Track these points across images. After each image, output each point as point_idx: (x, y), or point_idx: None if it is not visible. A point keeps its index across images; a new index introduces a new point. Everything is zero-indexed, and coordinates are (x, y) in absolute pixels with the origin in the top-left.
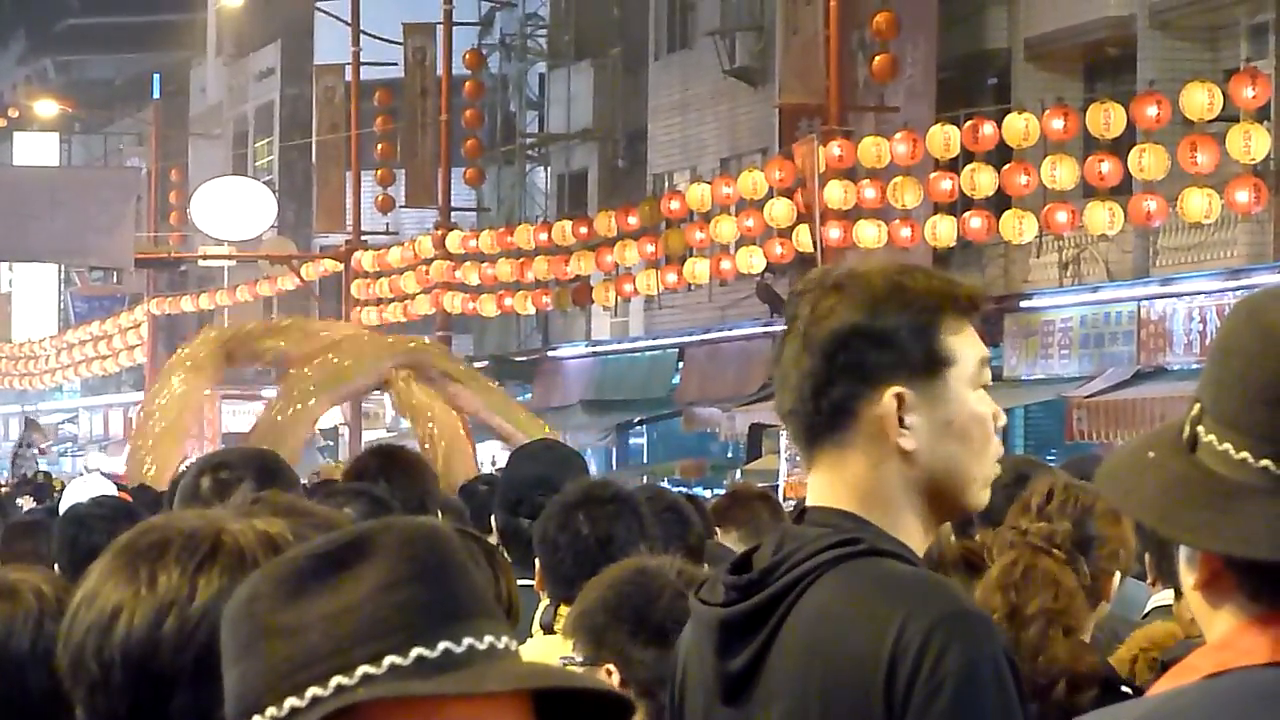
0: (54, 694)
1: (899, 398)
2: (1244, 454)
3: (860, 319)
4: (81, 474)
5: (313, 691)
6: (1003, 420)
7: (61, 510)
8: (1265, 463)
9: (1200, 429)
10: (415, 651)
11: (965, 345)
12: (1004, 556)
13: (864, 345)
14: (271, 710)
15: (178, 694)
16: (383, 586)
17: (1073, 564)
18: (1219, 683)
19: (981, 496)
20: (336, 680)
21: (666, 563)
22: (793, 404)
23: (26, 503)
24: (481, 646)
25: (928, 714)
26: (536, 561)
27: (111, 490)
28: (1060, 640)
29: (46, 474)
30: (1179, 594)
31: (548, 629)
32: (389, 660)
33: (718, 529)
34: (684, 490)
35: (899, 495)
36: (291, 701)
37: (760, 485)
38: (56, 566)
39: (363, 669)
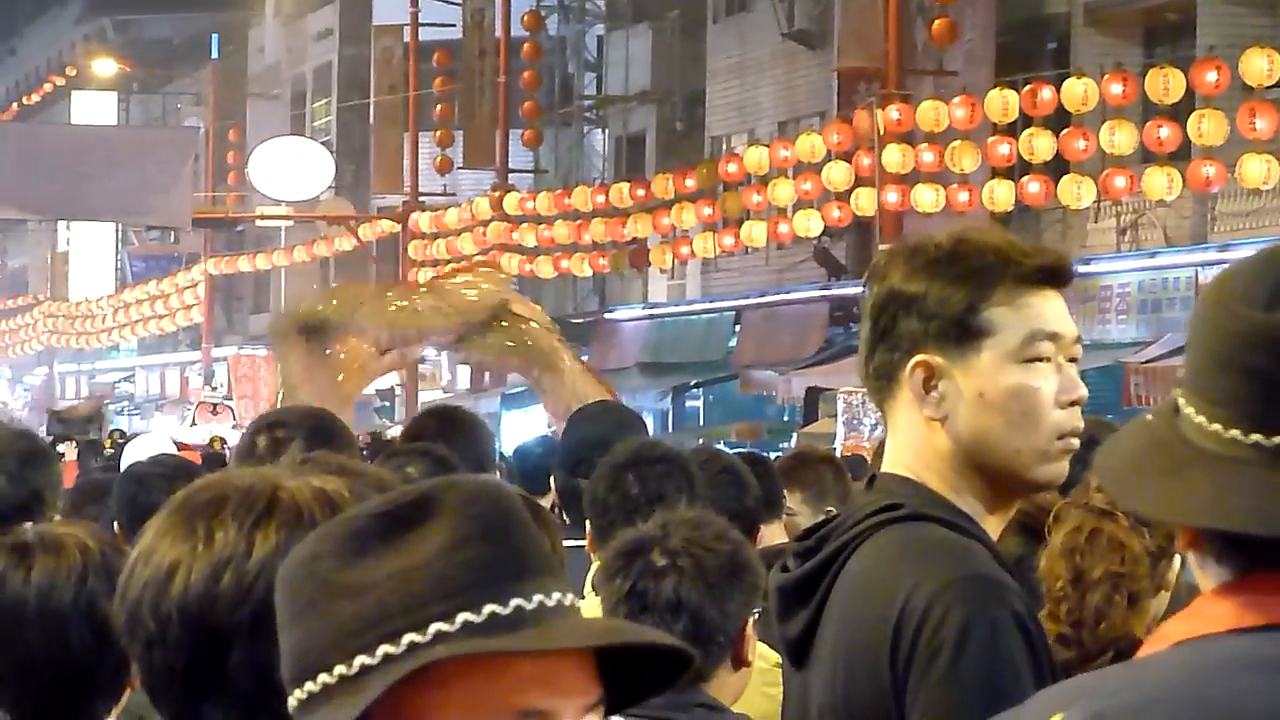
0: (94, 648)
1: (925, 365)
2: (1201, 418)
3: (898, 284)
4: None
5: (384, 649)
6: (1076, 394)
7: (122, 468)
8: (1216, 427)
9: (1180, 395)
10: (488, 609)
11: (1013, 316)
12: (1067, 522)
13: (898, 310)
14: (340, 669)
15: (235, 650)
16: (451, 545)
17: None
18: (1178, 651)
19: (1040, 471)
20: (409, 638)
21: (669, 518)
22: (859, 370)
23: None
24: (550, 603)
25: (927, 677)
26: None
27: (170, 448)
28: (1122, 607)
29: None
30: None
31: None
32: (462, 617)
33: (784, 489)
34: (753, 450)
35: (947, 463)
36: (362, 659)
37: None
38: (116, 525)
39: (436, 626)
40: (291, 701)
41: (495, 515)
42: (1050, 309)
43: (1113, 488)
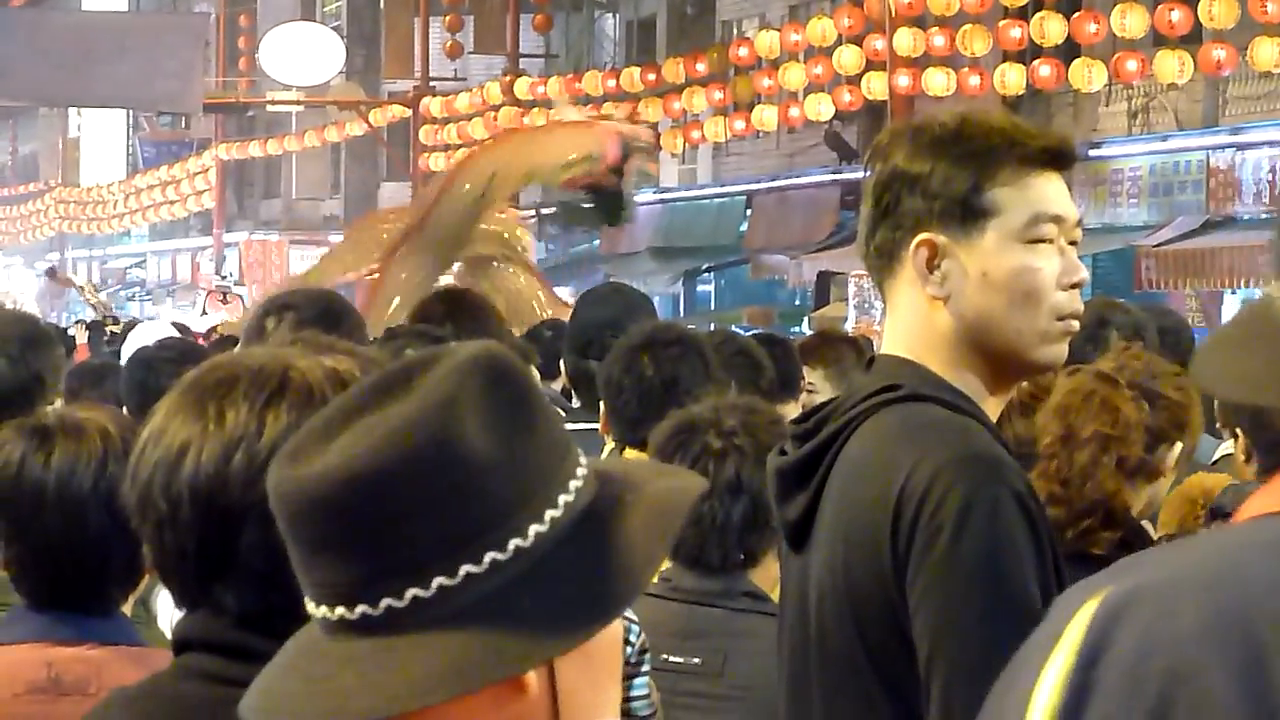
0: (112, 534)
1: (929, 244)
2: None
3: (902, 163)
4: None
5: (564, 499)
6: (1078, 276)
7: (125, 354)
8: None
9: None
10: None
11: (1017, 197)
12: (1068, 384)
13: (902, 189)
14: (535, 527)
15: (246, 530)
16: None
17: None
18: (1236, 528)
19: (1041, 352)
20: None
21: (719, 403)
22: (859, 249)
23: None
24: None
25: (927, 555)
26: (601, 404)
27: (173, 333)
28: (1109, 470)
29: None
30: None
31: None
32: (580, 472)
33: (805, 367)
34: (771, 331)
35: (948, 343)
36: (551, 513)
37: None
38: (124, 410)
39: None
40: (427, 589)
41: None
42: (1054, 191)
43: (1195, 359)
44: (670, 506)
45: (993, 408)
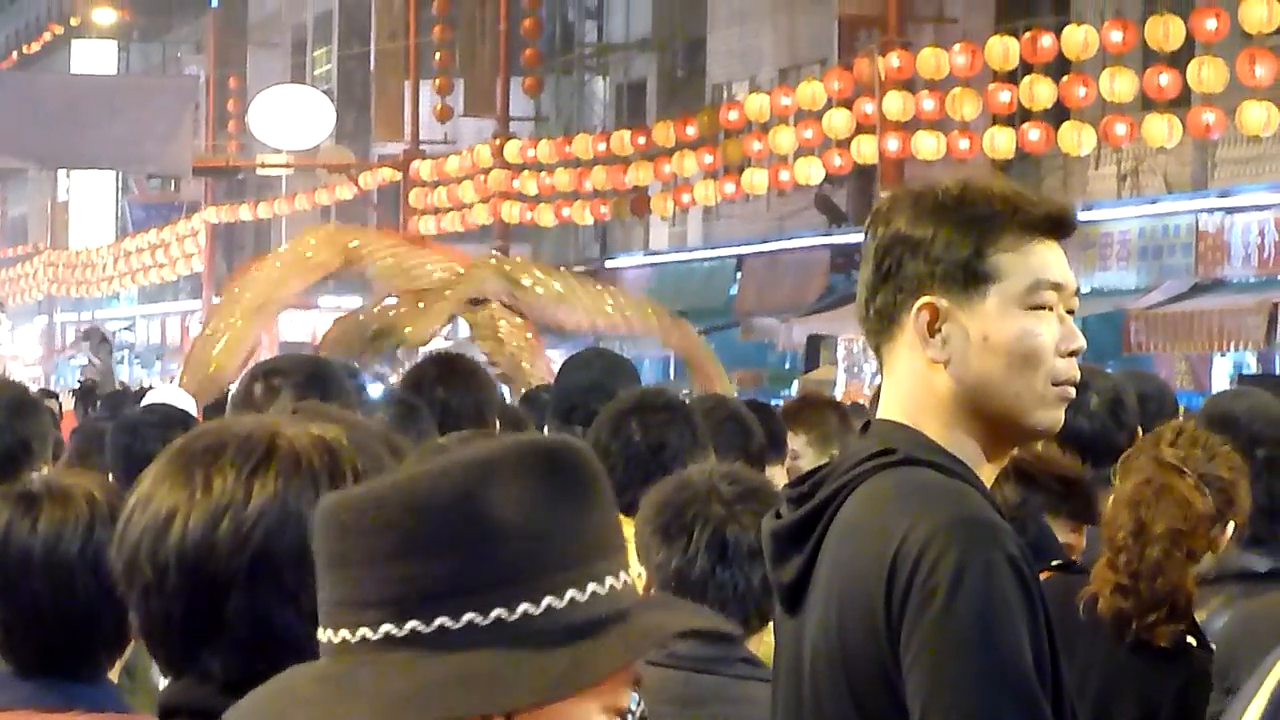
0: (100, 599)
1: (930, 308)
2: None
3: (904, 227)
4: (145, 384)
5: (571, 594)
6: (1076, 344)
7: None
8: None
9: None
10: (591, 587)
11: (1018, 263)
12: (1137, 474)
13: (903, 253)
14: (549, 600)
15: (232, 597)
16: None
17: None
18: None
19: (1038, 417)
20: (592, 587)
21: (710, 469)
22: (858, 312)
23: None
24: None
25: (922, 617)
26: None
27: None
28: (1180, 562)
29: (93, 381)
30: None
31: None
32: (609, 580)
33: (788, 432)
34: (754, 397)
35: (946, 408)
36: (535, 604)
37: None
38: (110, 475)
39: (609, 579)
40: (426, 625)
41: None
42: (1054, 258)
43: None
44: (653, 636)
45: (988, 474)
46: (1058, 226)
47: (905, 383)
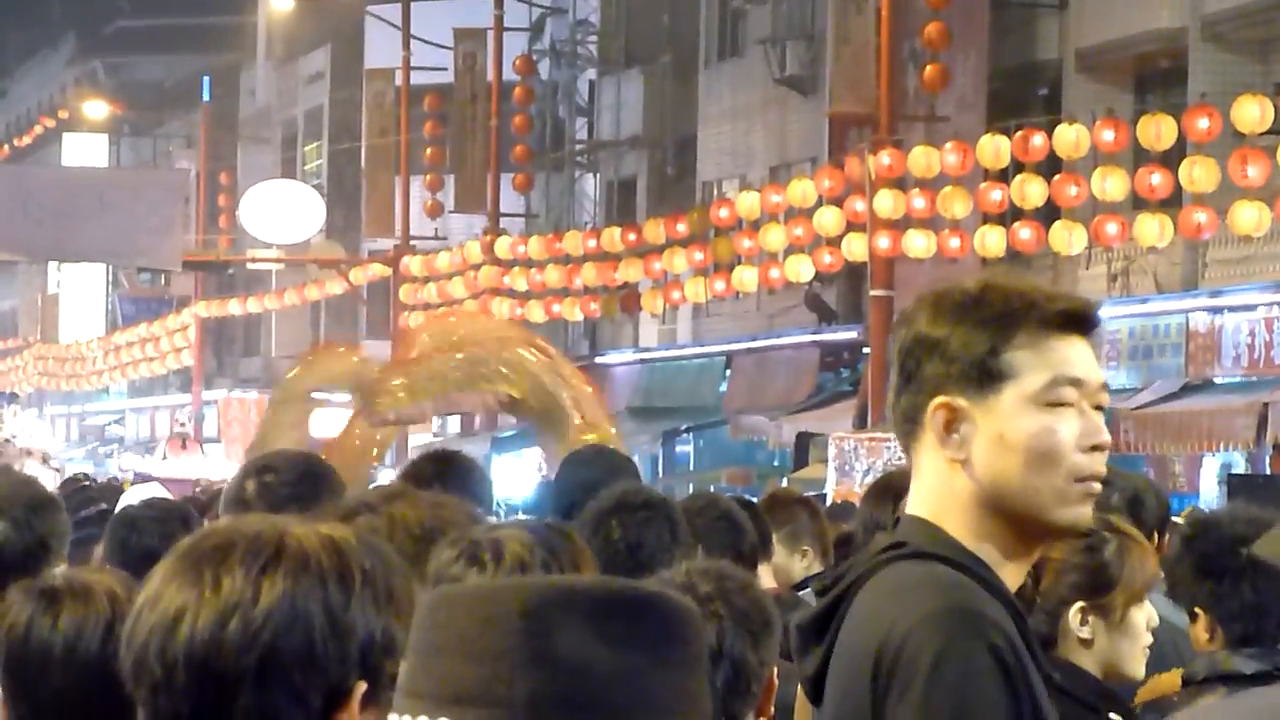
0: (120, 695)
1: (946, 408)
2: None
3: (923, 329)
4: (121, 474)
5: None
6: (1098, 439)
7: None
8: None
9: None
10: None
11: (1035, 360)
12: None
13: (922, 354)
14: None
15: (241, 695)
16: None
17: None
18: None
19: (1059, 514)
20: None
21: (688, 568)
22: (890, 413)
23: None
24: None
25: (900, 708)
26: None
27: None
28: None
29: (86, 475)
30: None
31: None
32: None
33: None
34: (739, 494)
35: (967, 507)
36: None
37: (808, 494)
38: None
39: None
40: None
41: None
42: (1075, 354)
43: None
44: None
45: (1012, 574)
46: (1077, 322)
47: (929, 482)
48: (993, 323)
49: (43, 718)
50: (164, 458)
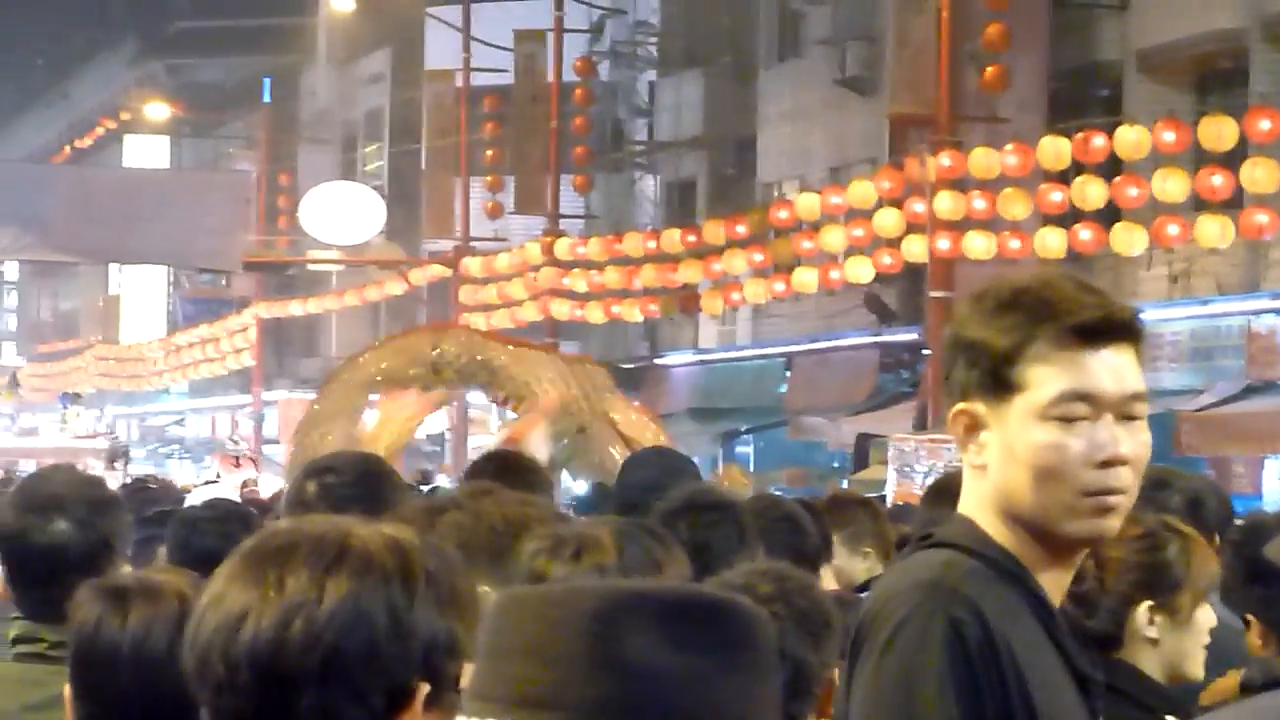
0: (188, 695)
1: (966, 414)
2: None
3: (957, 330)
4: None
5: None
6: (1107, 453)
7: None
8: None
9: None
10: None
11: (1047, 374)
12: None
13: (951, 358)
14: None
15: (305, 695)
16: None
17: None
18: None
19: (1069, 527)
20: None
21: (749, 569)
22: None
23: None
24: None
25: (858, 675)
26: None
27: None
28: None
29: (152, 478)
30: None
31: None
32: None
33: None
34: (803, 498)
35: (990, 513)
36: None
37: (868, 495)
38: None
39: None
40: None
41: None
42: (1097, 365)
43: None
44: None
45: (1052, 579)
46: (1099, 333)
47: (968, 484)
48: (1015, 330)
49: (110, 716)
50: (217, 476)
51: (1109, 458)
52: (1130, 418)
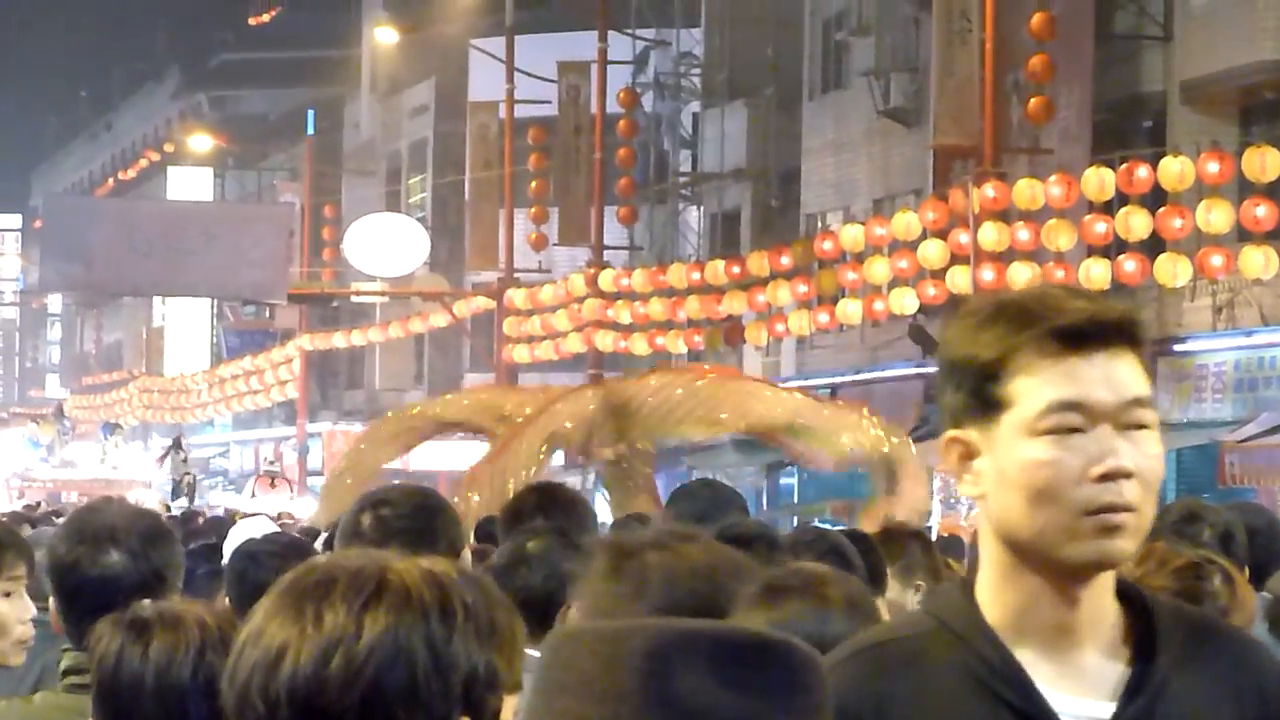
0: None
1: (956, 441)
2: None
3: (945, 352)
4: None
5: None
6: (1105, 466)
7: (227, 549)
8: None
9: None
10: None
11: (1031, 386)
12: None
13: (941, 383)
14: None
15: None
16: None
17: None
18: None
19: (1070, 551)
20: None
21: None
22: None
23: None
24: None
25: None
26: None
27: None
28: None
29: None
30: None
31: None
32: None
33: None
34: (852, 529)
35: (988, 541)
36: None
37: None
38: (226, 600)
39: None
40: None
41: None
42: (1084, 372)
43: None
44: None
45: (1059, 614)
46: (1086, 336)
47: (978, 524)
48: (997, 344)
49: None
50: (253, 495)
51: (1108, 470)
52: (1133, 426)
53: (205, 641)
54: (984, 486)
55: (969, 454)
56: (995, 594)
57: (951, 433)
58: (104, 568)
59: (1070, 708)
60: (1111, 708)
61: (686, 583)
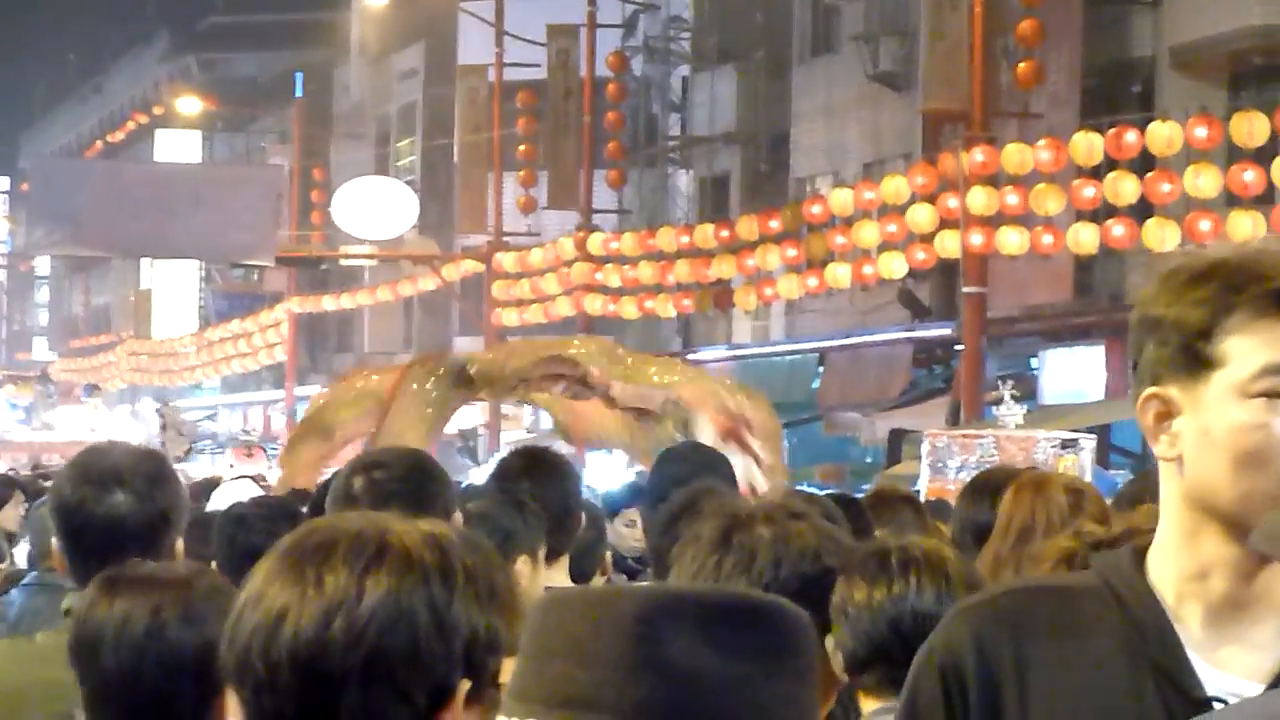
0: (168, 679)
1: (1157, 399)
2: None
3: (1144, 309)
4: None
5: None
6: None
7: (210, 510)
8: None
9: None
10: None
11: (1248, 345)
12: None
13: (1138, 336)
14: None
15: (346, 694)
16: None
17: None
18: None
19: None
20: None
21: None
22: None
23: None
24: None
25: None
26: None
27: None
28: None
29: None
30: None
31: None
32: None
33: None
34: (840, 492)
35: (1174, 505)
36: None
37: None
38: (214, 563)
39: None
40: None
41: None
42: None
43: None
44: None
45: (1252, 593)
46: None
47: (1163, 484)
48: (1210, 302)
49: (102, 697)
50: (230, 466)
51: None
52: None
53: (164, 601)
54: (1181, 448)
55: (1168, 412)
56: (1169, 560)
57: (1150, 389)
58: (109, 508)
59: (1221, 684)
60: (1261, 690)
61: (793, 564)
